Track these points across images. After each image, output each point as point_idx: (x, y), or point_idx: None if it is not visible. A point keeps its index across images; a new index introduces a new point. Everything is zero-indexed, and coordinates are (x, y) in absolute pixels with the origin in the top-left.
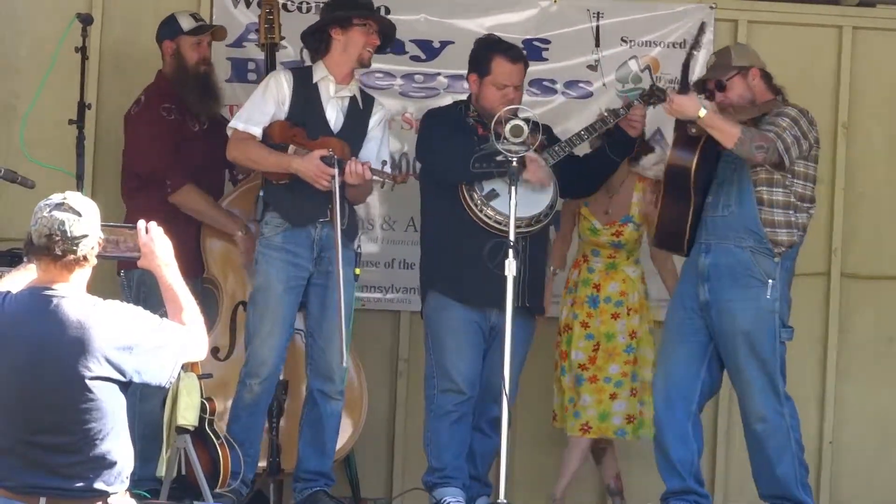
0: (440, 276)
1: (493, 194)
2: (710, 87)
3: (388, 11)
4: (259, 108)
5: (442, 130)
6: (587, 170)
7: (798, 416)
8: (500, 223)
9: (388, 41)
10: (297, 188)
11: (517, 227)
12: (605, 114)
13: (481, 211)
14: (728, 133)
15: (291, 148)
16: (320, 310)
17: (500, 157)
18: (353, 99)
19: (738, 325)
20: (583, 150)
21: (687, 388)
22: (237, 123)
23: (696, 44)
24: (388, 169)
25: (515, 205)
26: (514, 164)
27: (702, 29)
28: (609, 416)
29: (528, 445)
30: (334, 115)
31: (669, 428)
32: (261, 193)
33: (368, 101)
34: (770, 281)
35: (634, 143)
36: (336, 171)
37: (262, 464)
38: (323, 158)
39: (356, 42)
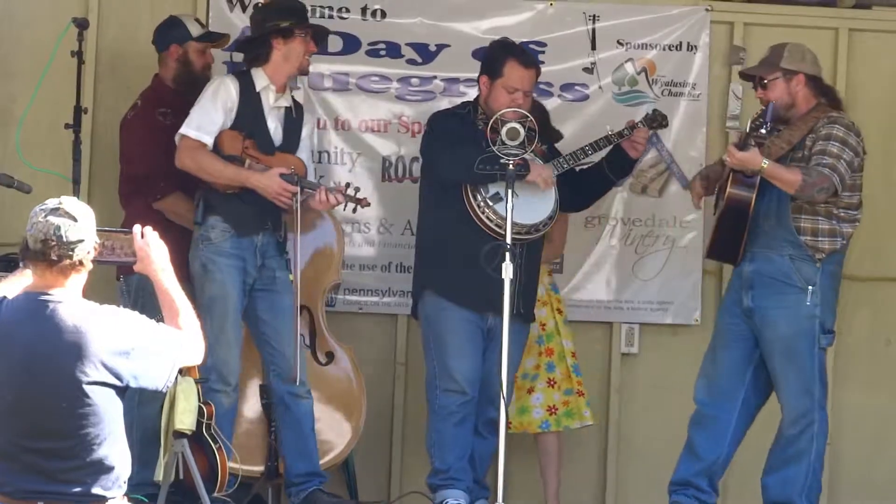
0: (437, 277)
1: (497, 197)
2: (753, 81)
3: (384, 15)
4: (210, 116)
5: (448, 131)
6: (583, 186)
7: (827, 427)
8: (500, 226)
9: (321, 44)
10: (244, 198)
11: (518, 232)
12: (610, 133)
13: (483, 213)
14: (789, 181)
15: (248, 162)
16: (272, 316)
17: (504, 160)
18: (288, 109)
19: (778, 332)
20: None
21: (729, 392)
22: (188, 130)
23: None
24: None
25: (512, 209)
26: (511, 167)
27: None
28: (528, 411)
29: (523, 448)
30: (274, 126)
31: (705, 428)
32: (202, 195)
33: (299, 111)
34: (810, 287)
35: (634, 164)
36: (298, 189)
37: (260, 468)
38: (283, 176)
39: (297, 51)
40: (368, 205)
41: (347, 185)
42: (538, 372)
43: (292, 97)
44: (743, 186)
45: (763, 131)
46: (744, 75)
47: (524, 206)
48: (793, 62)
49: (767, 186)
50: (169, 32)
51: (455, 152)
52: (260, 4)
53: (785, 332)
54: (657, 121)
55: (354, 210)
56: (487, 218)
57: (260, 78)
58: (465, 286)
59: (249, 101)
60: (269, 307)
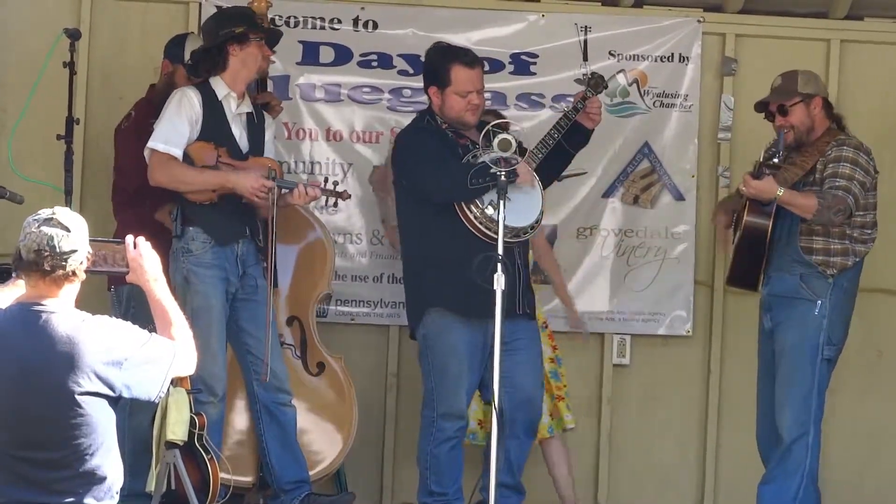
0: (444, 293)
1: (492, 206)
2: (771, 109)
3: (375, 26)
4: (176, 129)
5: (427, 149)
6: (546, 165)
7: (819, 448)
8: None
9: (273, 47)
10: (221, 207)
11: (515, 235)
12: (566, 110)
13: (481, 223)
14: (806, 206)
15: (225, 169)
16: (254, 326)
17: (493, 170)
18: (250, 115)
19: (786, 341)
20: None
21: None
22: (157, 144)
23: None
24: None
25: (504, 217)
26: (503, 178)
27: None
28: None
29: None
30: (239, 133)
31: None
32: (179, 207)
33: (261, 115)
34: (819, 300)
35: (590, 134)
36: (274, 184)
37: (251, 478)
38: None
39: (254, 56)
40: (349, 197)
41: (326, 179)
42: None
43: (252, 102)
44: (759, 214)
45: (776, 160)
46: (759, 106)
47: (518, 208)
48: (809, 86)
49: (782, 211)
50: (172, 47)
51: (443, 172)
52: (210, 15)
53: (792, 339)
54: (597, 81)
55: (335, 204)
56: (486, 227)
57: (220, 86)
58: (472, 298)
59: (213, 111)
60: (251, 317)
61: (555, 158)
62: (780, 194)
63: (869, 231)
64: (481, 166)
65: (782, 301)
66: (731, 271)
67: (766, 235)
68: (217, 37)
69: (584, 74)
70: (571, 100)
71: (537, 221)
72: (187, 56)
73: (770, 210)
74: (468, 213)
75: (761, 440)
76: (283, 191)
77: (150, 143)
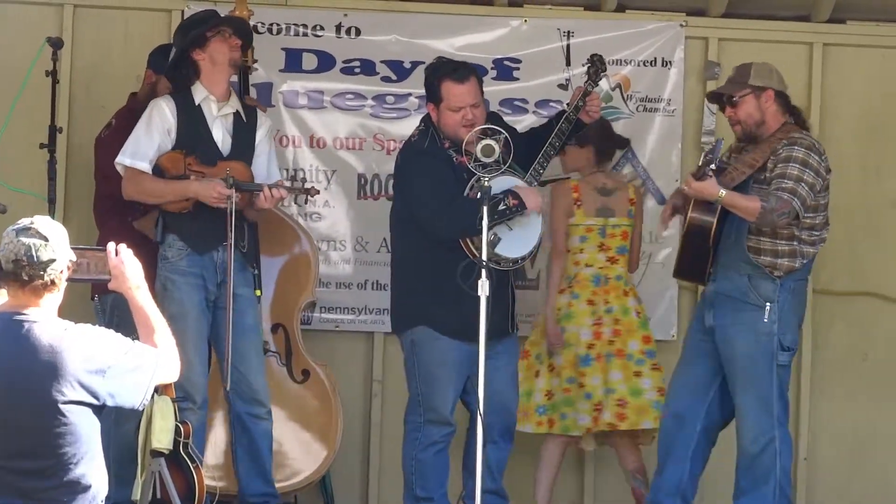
0: (434, 314)
1: (495, 241)
2: (722, 100)
3: (358, 32)
4: (144, 142)
5: (439, 185)
6: (534, 153)
7: (790, 445)
8: (498, 262)
9: (248, 36)
10: (198, 215)
11: (514, 263)
12: (567, 111)
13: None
14: (748, 210)
15: (193, 178)
16: (233, 333)
17: (502, 207)
18: (236, 115)
19: (735, 349)
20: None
21: (692, 409)
22: (124, 159)
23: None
24: (288, 182)
25: (495, 239)
26: (486, 184)
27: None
28: (641, 393)
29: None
30: (221, 136)
31: (670, 445)
32: (160, 214)
33: (252, 115)
34: (768, 305)
35: (585, 127)
36: (233, 190)
37: (236, 486)
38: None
39: (220, 50)
40: (318, 192)
41: (293, 178)
42: (643, 357)
43: (242, 102)
44: (704, 211)
45: (713, 167)
46: (712, 96)
47: (517, 239)
48: (761, 79)
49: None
50: (156, 57)
51: (454, 210)
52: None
53: (742, 349)
54: (597, 67)
55: (306, 201)
56: (489, 258)
57: (198, 91)
58: (462, 319)
59: (190, 117)
60: (231, 325)
61: (539, 145)
62: (722, 196)
63: (818, 232)
64: (490, 205)
65: (728, 301)
66: (678, 264)
67: (710, 233)
68: (181, 49)
69: (583, 63)
70: (555, 105)
71: (531, 253)
72: None
73: (715, 207)
74: (471, 244)
75: (667, 420)
76: (253, 193)
77: (118, 158)
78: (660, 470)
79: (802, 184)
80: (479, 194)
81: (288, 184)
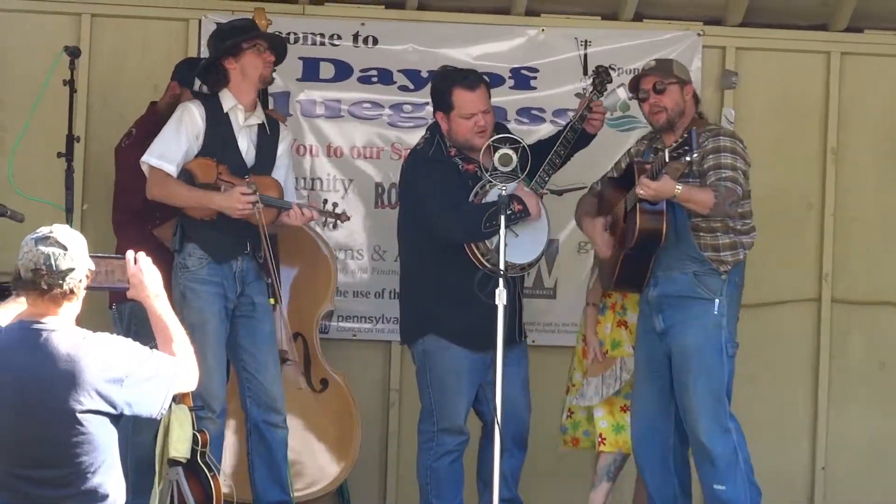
0: (442, 321)
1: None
2: (645, 86)
3: (375, 41)
4: (173, 144)
5: (442, 190)
6: (540, 161)
7: (743, 434)
8: (506, 271)
9: (282, 53)
10: (219, 225)
11: (521, 269)
12: (572, 121)
13: (489, 261)
14: (704, 201)
15: (223, 188)
16: (251, 342)
17: (507, 213)
18: (261, 126)
19: (686, 342)
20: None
21: (661, 423)
22: (150, 159)
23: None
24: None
25: (506, 247)
26: (503, 193)
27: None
28: (625, 429)
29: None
30: (246, 146)
31: (647, 463)
32: (179, 223)
33: (274, 127)
34: (717, 299)
35: (592, 139)
36: (257, 196)
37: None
38: (243, 194)
39: (253, 64)
40: (348, 219)
41: (325, 201)
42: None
43: (266, 114)
44: (652, 217)
45: (691, 157)
46: (632, 83)
47: (523, 244)
48: (683, 73)
49: (668, 209)
50: (183, 70)
51: (456, 216)
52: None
53: (693, 341)
54: (602, 79)
55: (335, 226)
56: (493, 264)
57: (227, 99)
58: (470, 328)
59: (218, 124)
60: (249, 334)
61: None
62: (679, 192)
63: (748, 221)
64: (494, 210)
65: (675, 301)
66: (617, 277)
67: (661, 236)
68: (214, 54)
69: (589, 73)
70: (571, 114)
71: (538, 259)
72: (197, 85)
73: (661, 208)
74: (476, 250)
75: (638, 441)
76: (282, 210)
77: (145, 157)
78: (646, 487)
79: (738, 171)
80: (482, 200)
81: (319, 206)
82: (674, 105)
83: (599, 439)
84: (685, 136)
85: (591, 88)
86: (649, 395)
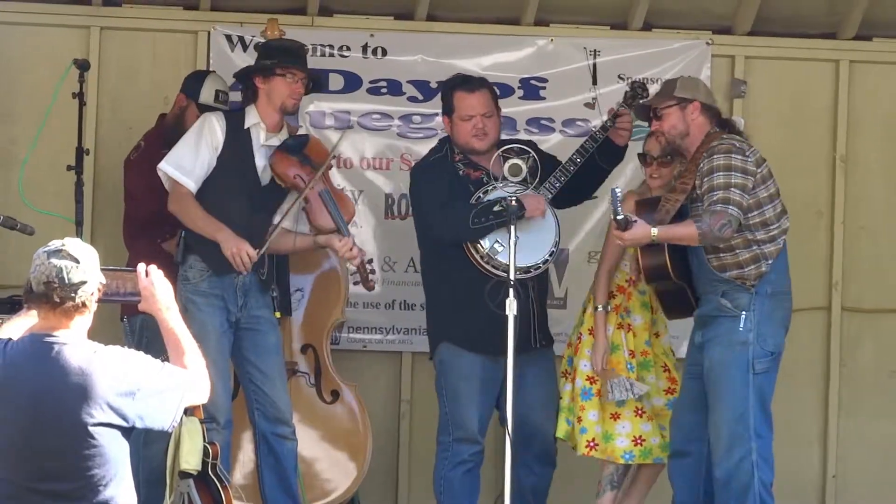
0: (453, 328)
1: (495, 249)
2: (647, 115)
3: (384, 52)
4: (191, 157)
5: (435, 190)
6: (580, 183)
7: (770, 457)
8: (507, 272)
9: (318, 87)
10: None
11: (526, 272)
12: (594, 130)
13: (488, 263)
14: (687, 236)
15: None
16: (255, 354)
17: (497, 208)
18: None
19: (712, 359)
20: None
21: (695, 432)
22: (167, 168)
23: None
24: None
25: (515, 250)
26: (514, 203)
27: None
28: (612, 438)
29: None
30: (262, 164)
31: (678, 470)
32: (182, 235)
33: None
34: (743, 314)
35: (623, 150)
36: (255, 255)
37: None
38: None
39: (279, 92)
40: (372, 289)
41: (371, 260)
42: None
43: (290, 134)
44: (652, 254)
45: (619, 218)
46: (639, 110)
47: (528, 245)
48: (686, 91)
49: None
50: (190, 82)
51: (446, 213)
52: (260, 43)
53: (717, 358)
54: (636, 93)
55: (356, 283)
56: (493, 266)
57: (251, 115)
58: (482, 335)
59: (236, 139)
60: (254, 346)
61: (587, 175)
62: (656, 235)
63: (774, 226)
64: (484, 206)
65: (709, 320)
66: (665, 310)
67: (668, 269)
68: (248, 67)
69: (626, 84)
70: (581, 124)
71: (544, 262)
72: (205, 94)
73: (661, 245)
74: (474, 252)
75: (674, 450)
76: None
77: (162, 164)
78: (675, 495)
79: (732, 189)
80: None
81: (358, 261)
82: (670, 128)
83: (591, 443)
84: (612, 195)
85: (621, 99)
86: (685, 404)
